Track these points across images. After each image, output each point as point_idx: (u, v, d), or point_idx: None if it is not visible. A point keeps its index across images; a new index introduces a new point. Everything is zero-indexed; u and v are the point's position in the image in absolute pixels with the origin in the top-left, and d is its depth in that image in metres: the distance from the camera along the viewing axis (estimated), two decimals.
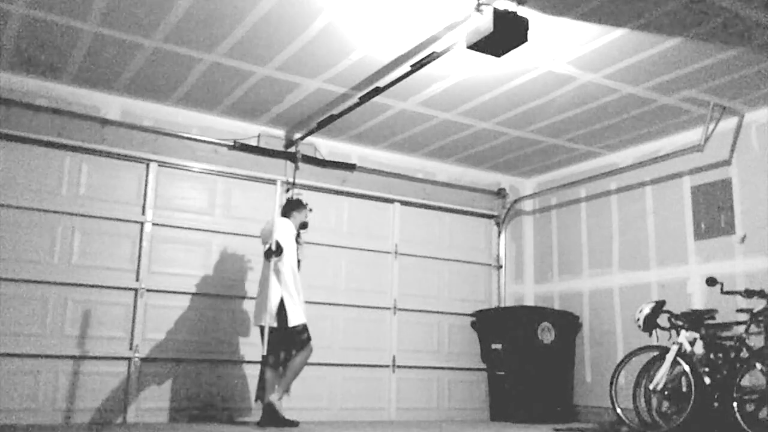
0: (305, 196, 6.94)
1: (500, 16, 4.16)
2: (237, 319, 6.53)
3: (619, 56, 5.22)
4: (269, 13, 4.71)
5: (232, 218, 6.73)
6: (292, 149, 7.00)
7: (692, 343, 5.61)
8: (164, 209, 6.39)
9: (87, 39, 5.16)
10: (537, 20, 4.60)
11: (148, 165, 6.37)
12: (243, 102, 6.33)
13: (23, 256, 5.73)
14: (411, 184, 7.81)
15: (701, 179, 6.59)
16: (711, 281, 5.65)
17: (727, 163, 6.37)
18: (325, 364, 6.80)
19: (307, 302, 6.80)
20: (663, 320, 5.84)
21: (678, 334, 5.70)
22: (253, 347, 6.53)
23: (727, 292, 5.62)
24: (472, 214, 8.24)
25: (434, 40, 5.03)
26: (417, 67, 5.25)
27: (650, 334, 5.86)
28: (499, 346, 7.48)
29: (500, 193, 8.41)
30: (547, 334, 7.29)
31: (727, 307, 5.77)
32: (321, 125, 6.53)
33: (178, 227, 6.43)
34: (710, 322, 5.77)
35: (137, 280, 6.15)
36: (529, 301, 8.31)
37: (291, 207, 5.97)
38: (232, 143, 6.72)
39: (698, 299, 6.38)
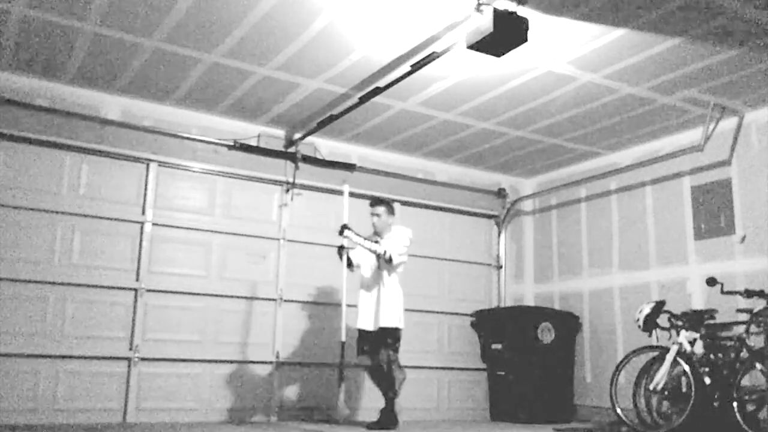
0: (305, 196, 6.96)
1: (500, 16, 4.16)
2: (238, 319, 6.53)
3: (619, 56, 5.22)
4: (269, 13, 4.71)
5: (232, 218, 6.73)
6: (292, 149, 7.00)
7: (692, 343, 5.61)
8: (164, 209, 6.38)
9: (87, 39, 5.16)
10: (537, 20, 4.60)
11: (148, 165, 6.38)
12: (243, 102, 6.33)
13: (23, 256, 5.73)
14: (411, 184, 7.80)
15: (701, 179, 6.59)
16: (711, 281, 5.64)
17: (727, 163, 6.37)
18: (325, 365, 6.80)
19: (307, 302, 6.82)
20: (663, 320, 5.83)
21: (678, 334, 5.69)
22: (252, 347, 6.54)
23: (727, 292, 5.60)
24: (472, 214, 8.23)
25: (434, 40, 5.03)
26: (417, 67, 5.25)
27: (650, 334, 5.86)
28: (499, 346, 7.48)
29: (500, 193, 8.40)
30: (547, 334, 7.28)
31: (727, 307, 5.76)
32: (321, 125, 6.53)
33: (178, 227, 6.43)
34: (710, 322, 5.75)
35: (137, 280, 6.15)
36: (529, 301, 8.31)
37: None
38: (232, 143, 6.72)
39: (698, 299, 6.38)
